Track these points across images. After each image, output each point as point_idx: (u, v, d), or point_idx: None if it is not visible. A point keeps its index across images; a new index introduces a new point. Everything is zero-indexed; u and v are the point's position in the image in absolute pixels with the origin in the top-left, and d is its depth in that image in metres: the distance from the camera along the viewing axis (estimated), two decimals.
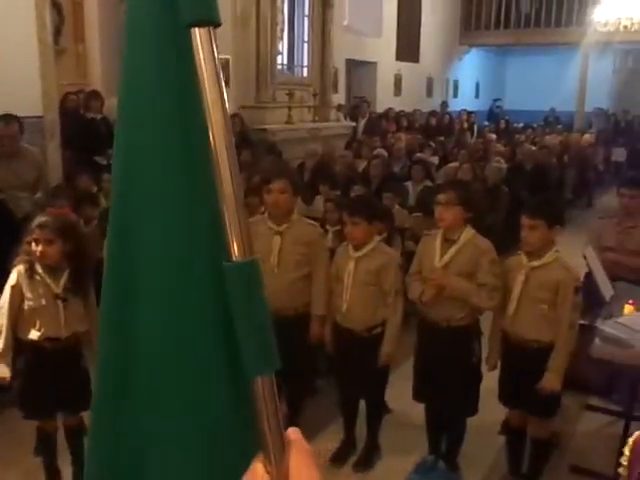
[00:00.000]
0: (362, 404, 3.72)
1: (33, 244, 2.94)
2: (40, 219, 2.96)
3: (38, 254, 2.92)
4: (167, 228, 0.89)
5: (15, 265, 3.04)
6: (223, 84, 0.70)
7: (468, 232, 3.27)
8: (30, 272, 2.98)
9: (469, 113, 15.30)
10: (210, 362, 0.90)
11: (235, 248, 0.69)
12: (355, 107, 12.66)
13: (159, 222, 0.89)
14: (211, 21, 0.71)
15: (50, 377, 2.98)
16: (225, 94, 0.70)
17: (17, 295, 2.97)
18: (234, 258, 0.69)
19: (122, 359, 0.95)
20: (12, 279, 3.00)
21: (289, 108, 9.27)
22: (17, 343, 3.02)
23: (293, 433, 0.70)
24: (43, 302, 2.96)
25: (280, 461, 0.67)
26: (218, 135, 0.69)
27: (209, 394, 0.91)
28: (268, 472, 0.67)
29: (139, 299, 0.91)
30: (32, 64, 6.06)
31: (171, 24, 0.78)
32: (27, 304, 2.97)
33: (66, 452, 3.19)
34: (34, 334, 2.98)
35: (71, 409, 3.13)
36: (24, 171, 4.90)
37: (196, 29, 0.70)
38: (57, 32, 7.71)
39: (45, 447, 3.24)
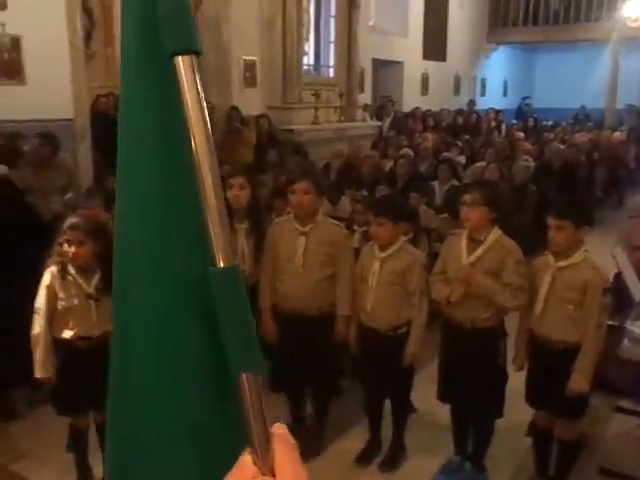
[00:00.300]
0: (388, 404, 3.73)
1: (65, 245, 3.00)
2: (71, 220, 3.02)
3: (70, 255, 2.98)
4: (156, 233, 0.94)
5: (48, 266, 3.11)
6: (205, 107, 0.75)
7: (495, 232, 3.26)
8: (63, 273, 3.05)
9: (497, 112, 15.16)
10: (198, 361, 0.95)
11: (219, 254, 0.73)
12: (381, 107, 12.64)
13: (149, 227, 0.95)
14: (193, 51, 0.77)
15: (83, 375, 3.04)
16: (207, 116, 0.75)
17: (52, 295, 3.05)
18: (218, 264, 0.73)
19: (121, 358, 1.01)
20: (46, 280, 3.07)
21: (315, 108, 9.31)
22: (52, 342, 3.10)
23: (278, 428, 0.73)
24: (76, 302, 3.03)
25: (266, 455, 0.70)
26: (201, 150, 0.74)
27: (197, 391, 0.95)
28: (255, 464, 0.70)
29: (132, 299, 0.97)
30: (63, 68, 6.19)
31: (158, 51, 0.83)
32: (60, 304, 3.05)
33: (98, 449, 3.25)
34: (67, 333, 3.06)
35: (103, 406, 3.17)
36: (55, 178, 5.01)
37: (179, 57, 0.76)
38: (88, 36, 7.86)
39: (77, 444, 3.31)
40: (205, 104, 0.76)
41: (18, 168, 4.22)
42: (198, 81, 0.75)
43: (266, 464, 0.70)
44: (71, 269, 3.05)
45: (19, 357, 4.14)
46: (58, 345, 3.10)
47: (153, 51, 0.87)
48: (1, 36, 5.85)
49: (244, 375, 0.73)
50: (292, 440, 0.72)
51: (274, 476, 0.69)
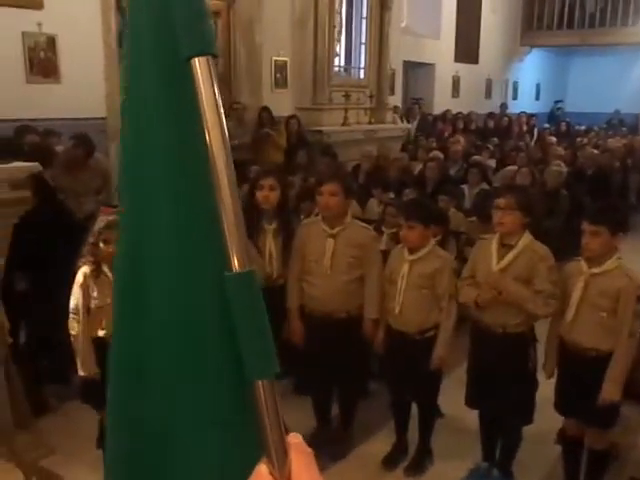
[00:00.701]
0: (415, 408, 3.70)
1: (102, 244, 3.04)
2: (108, 219, 3.04)
3: (108, 254, 3.01)
4: (173, 238, 0.95)
5: (80, 266, 3.15)
6: (221, 109, 0.75)
7: (526, 238, 3.21)
8: (96, 272, 3.08)
9: (529, 115, 14.99)
10: (214, 366, 0.95)
11: (235, 259, 0.73)
12: (408, 109, 12.60)
13: (166, 232, 0.96)
14: (209, 53, 0.76)
15: None
16: (223, 118, 0.75)
17: (86, 295, 3.10)
18: (234, 269, 0.73)
19: (134, 355, 1.01)
20: (79, 279, 3.11)
21: (345, 110, 9.31)
22: None
23: (294, 437, 0.71)
24: (109, 301, 3.06)
25: (282, 464, 0.69)
26: (217, 154, 0.74)
27: (213, 397, 0.96)
28: (272, 474, 0.68)
29: (147, 300, 0.98)
30: (97, 66, 6.28)
31: (172, 55, 0.83)
32: (93, 303, 3.09)
33: None
34: (101, 332, 3.09)
35: None
36: (89, 180, 5.07)
37: (195, 59, 0.75)
38: (121, 35, 7.93)
39: None
40: (221, 106, 0.75)
41: (51, 167, 4.27)
42: (215, 83, 0.75)
43: (283, 475, 0.68)
44: (105, 268, 3.09)
45: (52, 354, 4.23)
46: (93, 344, 3.14)
47: (169, 54, 0.86)
48: (38, 35, 5.96)
49: (259, 382, 0.72)
50: (309, 449, 0.71)
51: None
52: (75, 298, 3.11)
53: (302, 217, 4.04)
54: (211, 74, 0.75)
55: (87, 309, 3.11)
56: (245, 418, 0.88)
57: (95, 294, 3.09)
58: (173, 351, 0.96)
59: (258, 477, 0.68)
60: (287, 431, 0.72)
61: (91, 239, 3.10)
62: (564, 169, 8.40)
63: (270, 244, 3.66)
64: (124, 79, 1.03)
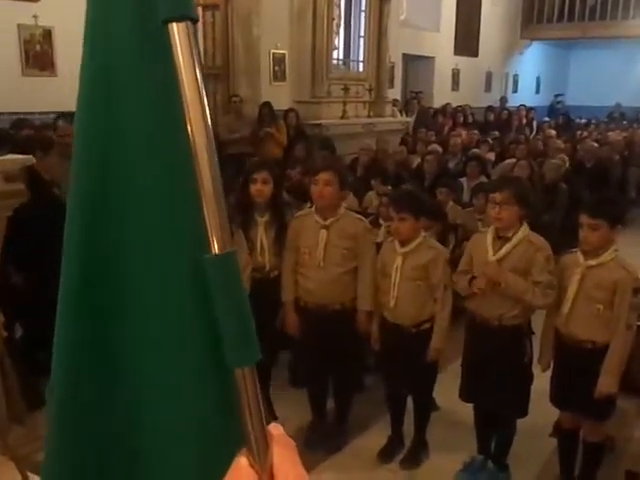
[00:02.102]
0: (410, 401, 3.69)
1: None
2: None
3: None
4: (146, 220, 0.91)
5: None
6: (202, 80, 0.69)
7: (524, 230, 3.19)
8: None
9: (528, 109, 14.95)
10: (193, 354, 0.91)
11: (214, 241, 0.69)
12: (406, 103, 12.57)
13: (138, 213, 0.91)
14: (188, 16, 0.70)
15: None
16: (204, 90, 0.69)
17: None
18: (213, 251, 0.69)
19: (101, 346, 0.95)
20: None
21: (344, 103, 9.28)
22: None
23: (275, 428, 0.68)
24: None
25: (264, 456, 0.66)
26: (197, 131, 0.68)
27: (192, 385, 0.92)
28: (252, 466, 0.65)
29: (119, 284, 0.93)
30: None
31: (146, 20, 0.79)
32: None
33: None
34: None
35: None
36: None
37: (173, 24, 0.69)
38: None
39: None
40: (201, 76, 0.69)
41: (50, 156, 4.23)
42: (194, 51, 0.69)
43: (264, 468, 0.65)
44: None
45: (48, 348, 4.22)
46: None
47: (145, 18, 0.82)
48: (33, 28, 5.93)
49: (240, 370, 0.68)
50: (291, 441, 0.67)
51: None
52: None
53: (294, 210, 4.00)
54: (190, 42, 0.69)
55: None
56: (225, 408, 0.86)
57: None
58: (148, 341, 0.92)
59: (237, 470, 0.65)
60: (269, 422, 0.69)
61: None
62: (566, 163, 8.38)
63: (262, 236, 3.64)
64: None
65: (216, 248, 0.69)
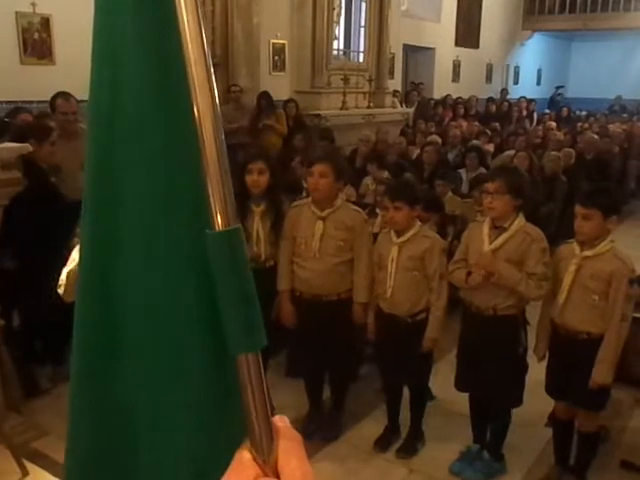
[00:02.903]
0: (406, 391, 3.70)
1: None
2: None
3: None
4: (150, 198, 0.88)
5: (75, 245, 3.14)
6: (206, 43, 0.65)
7: (520, 220, 3.19)
8: None
9: (529, 100, 14.91)
10: (195, 340, 0.88)
11: (218, 216, 0.65)
12: (407, 94, 12.54)
13: (142, 190, 0.88)
14: None
15: None
16: (208, 54, 0.65)
17: None
18: (216, 227, 0.65)
19: (104, 328, 0.93)
20: (76, 258, 3.09)
21: (344, 94, 9.24)
22: None
23: (280, 420, 0.64)
24: None
25: (269, 450, 0.62)
26: (202, 99, 0.65)
27: (193, 375, 0.89)
28: (255, 460, 0.61)
29: (122, 267, 0.91)
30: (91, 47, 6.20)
31: None
32: None
33: None
34: None
35: None
36: (82, 150, 5.01)
37: None
38: None
39: None
40: (205, 40, 0.65)
41: (47, 142, 4.22)
42: (199, 12, 0.65)
43: (268, 462, 0.61)
44: None
45: (45, 336, 4.23)
46: None
47: None
48: (31, 16, 5.90)
49: (243, 356, 0.64)
50: (297, 435, 0.64)
51: (277, 476, 0.60)
52: (68, 270, 3.10)
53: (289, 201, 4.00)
54: (196, 4, 0.65)
55: None
56: (227, 398, 0.82)
57: None
58: (149, 323, 0.89)
59: (240, 465, 0.61)
60: (273, 413, 0.65)
61: None
62: (572, 157, 8.35)
63: (257, 226, 3.64)
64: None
65: (219, 224, 0.65)
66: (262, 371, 0.65)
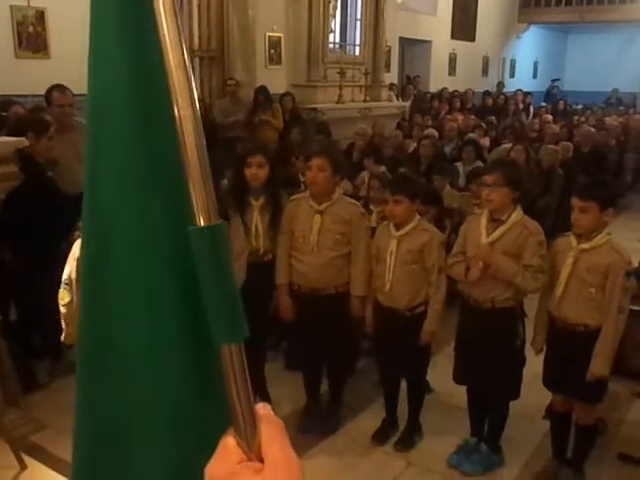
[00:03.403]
0: (404, 384, 3.71)
1: None
2: None
3: None
4: (132, 194, 0.91)
5: (76, 239, 3.15)
6: (185, 50, 0.68)
7: (518, 213, 3.20)
8: None
9: (525, 94, 14.90)
10: (179, 333, 0.90)
11: (200, 213, 0.67)
12: (403, 88, 12.52)
13: (125, 187, 0.91)
14: None
15: None
16: (187, 56, 0.68)
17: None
18: (198, 223, 0.68)
19: (99, 317, 0.96)
20: (76, 252, 3.11)
21: (340, 87, 9.22)
22: None
23: (262, 408, 0.67)
24: None
25: (252, 436, 0.64)
26: (182, 102, 0.68)
27: (178, 367, 0.91)
28: (239, 445, 0.64)
29: (110, 262, 0.93)
30: (87, 41, 6.16)
31: None
32: None
33: None
34: None
35: None
36: (78, 143, 5.00)
37: None
38: None
39: None
40: (184, 46, 0.68)
41: (41, 140, 4.21)
42: (178, 18, 0.68)
43: (252, 448, 0.63)
44: None
45: (44, 330, 4.22)
46: None
47: None
48: (26, 9, 5.86)
49: (226, 347, 0.67)
50: (279, 421, 0.66)
51: (261, 461, 0.62)
52: (69, 269, 3.11)
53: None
54: (175, 12, 0.68)
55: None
56: (212, 388, 0.84)
57: None
58: (137, 316, 0.92)
59: (225, 451, 0.64)
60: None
61: None
62: (570, 151, 8.35)
63: (256, 219, 3.63)
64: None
65: (202, 220, 0.67)
66: (244, 361, 0.67)
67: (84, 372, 1.00)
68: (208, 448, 0.65)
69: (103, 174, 0.93)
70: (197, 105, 0.69)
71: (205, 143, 0.69)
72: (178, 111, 0.67)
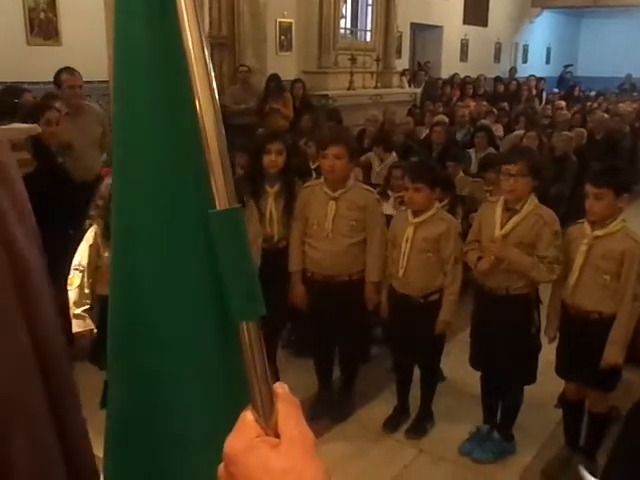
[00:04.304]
0: (417, 371, 3.71)
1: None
2: None
3: None
4: (156, 179, 0.97)
5: (89, 226, 3.18)
6: (205, 43, 0.72)
7: (532, 202, 3.17)
8: (107, 232, 3.12)
9: (538, 79, 14.75)
10: (202, 313, 0.97)
11: (219, 197, 0.71)
12: (414, 75, 12.43)
13: (148, 172, 0.97)
14: None
15: None
16: (207, 50, 0.72)
17: (94, 254, 3.16)
18: (218, 206, 0.71)
19: (126, 301, 1.04)
20: (89, 239, 3.17)
21: (351, 73, 9.17)
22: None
23: (280, 387, 0.69)
24: None
25: (269, 414, 0.67)
26: (202, 91, 0.71)
27: (201, 344, 0.97)
28: (257, 421, 0.66)
29: (137, 246, 1.01)
30: (98, 28, 6.17)
31: None
32: (103, 262, 3.15)
33: None
34: (107, 290, 3.11)
35: None
36: (90, 127, 5.03)
37: None
38: None
39: None
40: (205, 40, 0.72)
41: (53, 127, 4.21)
42: (198, 12, 0.72)
43: (269, 424, 0.66)
44: None
45: None
46: (99, 302, 3.18)
47: None
48: None
49: (244, 324, 0.69)
50: (296, 400, 0.68)
51: (278, 437, 0.65)
52: (81, 255, 3.16)
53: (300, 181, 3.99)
54: (195, 7, 0.72)
55: (95, 268, 3.17)
56: (232, 365, 0.87)
57: (106, 254, 3.14)
58: (161, 298, 0.98)
59: (243, 425, 0.66)
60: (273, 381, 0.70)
61: (100, 201, 3.13)
62: (584, 138, 8.28)
63: (271, 206, 3.64)
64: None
65: (221, 203, 0.71)
66: (262, 339, 0.70)
67: (117, 351, 1.07)
68: (229, 423, 0.68)
69: (132, 161, 0.99)
70: (216, 95, 0.72)
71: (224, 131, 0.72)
72: (199, 101, 0.71)
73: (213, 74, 0.72)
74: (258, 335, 0.70)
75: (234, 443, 0.65)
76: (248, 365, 0.69)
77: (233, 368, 0.85)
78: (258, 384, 0.68)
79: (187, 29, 0.71)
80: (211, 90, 0.71)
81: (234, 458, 0.64)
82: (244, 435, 0.65)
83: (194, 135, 0.73)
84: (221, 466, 0.65)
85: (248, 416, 0.67)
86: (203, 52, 0.71)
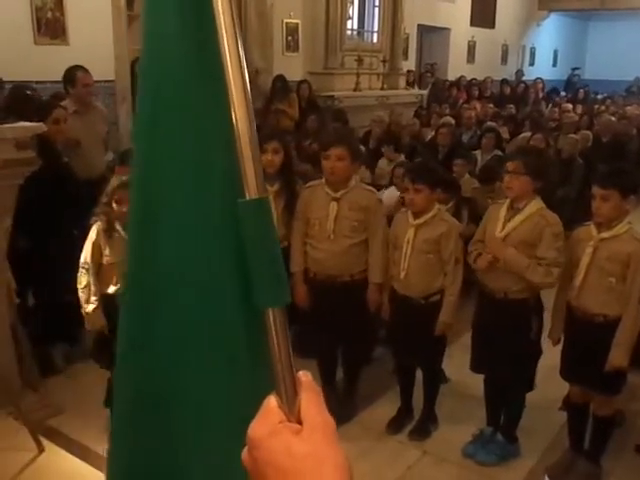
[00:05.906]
0: (420, 373, 3.69)
1: (114, 204, 3.11)
2: (121, 179, 3.09)
3: (120, 213, 3.06)
4: (186, 167, 0.99)
5: (93, 224, 3.20)
6: (239, 39, 0.75)
7: (536, 203, 3.15)
8: (109, 230, 3.15)
9: (545, 82, 14.71)
10: (227, 300, 0.98)
11: (248, 186, 0.73)
12: (420, 76, 12.42)
13: (178, 160, 0.99)
14: None
15: None
16: (240, 40, 0.74)
17: (97, 251, 3.18)
18: (247, 195, 0.73)
19: (147, 288, 1.04)
20: (92, 236, 3.21)
21: (357, 75, 9.17)
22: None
23: (304, 375, 0.70)
24: (120, 258, 3.10)
25: (292, 400, 0.68)
26: (235, 77, 0.73)
27: (225, 331, 0.98)
28: (280, 407, 0.67)
29: (162, 233, 1.02)
30: (105, 28, 6.19)
31: None
32: (105, 260, 3.19)
33: None
34: (112, 288, 3.19)
35: None
36: (96, 125, 5.07)
37: None
38: None
39: None
40: (239, 36, 0.75)
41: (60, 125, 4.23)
42: (234, 8, 0.75)
43: (292, 410, 0.67)
44: (118, 226, 3.16)
45: (61, 315, 4.25)
46: (103, 300, 3.20)
47: None
48: None
49: (270, 310, 0.71)
50: (318, 388, 0.70)
51: (300, 423, 0.66)
52: (85, 254, 3.20)
53: (301, 181, 3.99)
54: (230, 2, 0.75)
55: (99, 266, 3.20)
56: (256, 351, 0.89)
57: (107, 251, 3.18)
58: (185, 286, 0.99)
59: (267, 410, 0.67)
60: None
61: (104, 199, 3.16)
62: (589, 140, 8.26)
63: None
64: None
65: (250, 193, 0.73)
66: (287, 326, 0.71)
67: (132, 342, 1.08)
68: (253, 408, 0.69)
69: (159, 154, 1.00)
70: (249, 87, 0.74)
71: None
72: (232, 92, 0.73)
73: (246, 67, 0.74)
74: (284, 322, 0.71)
75: (258, 428, 0.66)
76: (273, 351, 0.70)
77: (257, 354, 0.87)
78: (282, 370, 0.69)
79: (222, 22, 0.74)
80: (244, 82, 0.73)
81: (257, 442, 0.65)
82: (267, 420, 0.66)
83: (224, 126, 0.76)
84: (245, 450, 0.66)
85: (272, 402, 0.68)
86: (237, 44, 0.73)
